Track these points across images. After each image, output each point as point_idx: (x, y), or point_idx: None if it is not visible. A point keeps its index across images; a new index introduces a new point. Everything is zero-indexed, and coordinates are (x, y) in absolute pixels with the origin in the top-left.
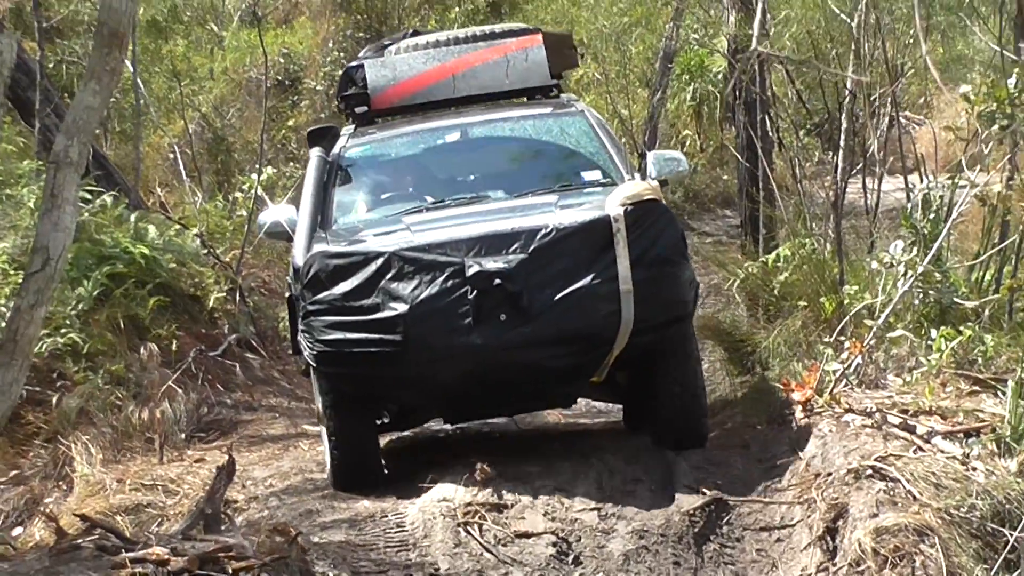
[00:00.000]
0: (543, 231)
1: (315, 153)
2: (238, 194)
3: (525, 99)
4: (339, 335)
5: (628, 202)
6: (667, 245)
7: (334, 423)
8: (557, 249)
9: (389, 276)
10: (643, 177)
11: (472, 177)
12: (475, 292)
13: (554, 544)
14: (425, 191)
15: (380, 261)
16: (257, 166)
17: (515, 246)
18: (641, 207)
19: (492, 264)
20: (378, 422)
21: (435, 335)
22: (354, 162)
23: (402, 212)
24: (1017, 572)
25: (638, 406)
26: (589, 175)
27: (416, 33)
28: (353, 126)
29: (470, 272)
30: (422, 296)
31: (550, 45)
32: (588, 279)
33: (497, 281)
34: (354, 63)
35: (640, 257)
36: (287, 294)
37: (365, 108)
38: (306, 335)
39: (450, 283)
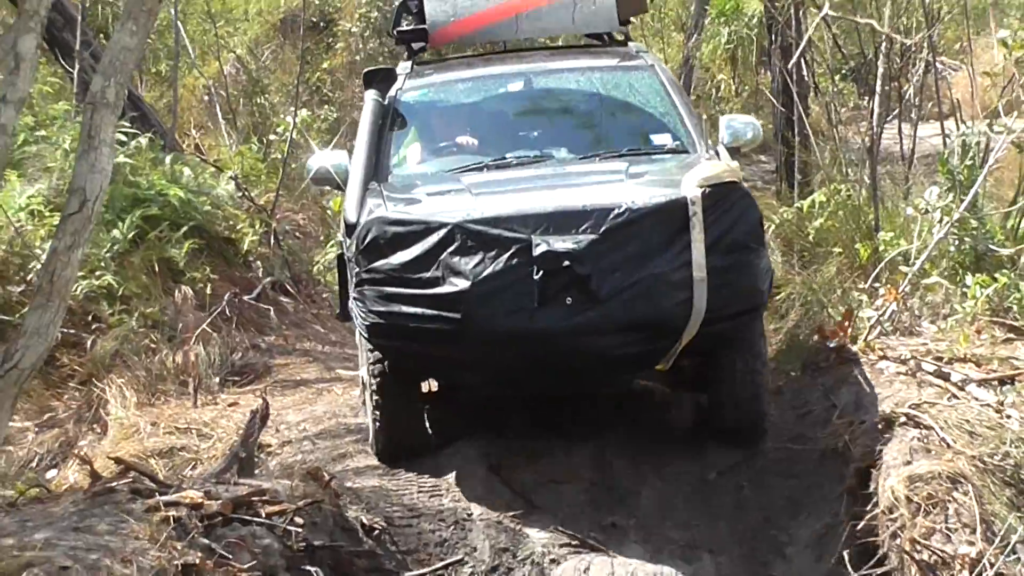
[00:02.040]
0: (616, 211)
1: (370, 96)
2: (273, 136)
3: (587, 40)
4: (394, 308)
5: (706, 184)
6: (745, 231)
7: (379, 393)
8: (630, 231)
9: (451, 249)
10: (715, 143)
11: (535, 133)
12: (541, 272)
13: (587, 491)
14: (486, 145)
15: (443, 232)
16: (292, 108)
17: (586, 225)
18: (719, 190)
19: (561, 244)
20: (424, 390)
21: (496, 316)
22: (411, 107)
23: (461, 169)
24: None
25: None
26: (659, 139)
27: None
28: (409, 64)
29: (537, 251)
30: (485, 273)
31: None
32: (660, 264)
33: (566, 262)
34: None
35: (716, 243)
36: (338, 252)
37: (423, 44)
38: (358, 303)
39: (515, 261)
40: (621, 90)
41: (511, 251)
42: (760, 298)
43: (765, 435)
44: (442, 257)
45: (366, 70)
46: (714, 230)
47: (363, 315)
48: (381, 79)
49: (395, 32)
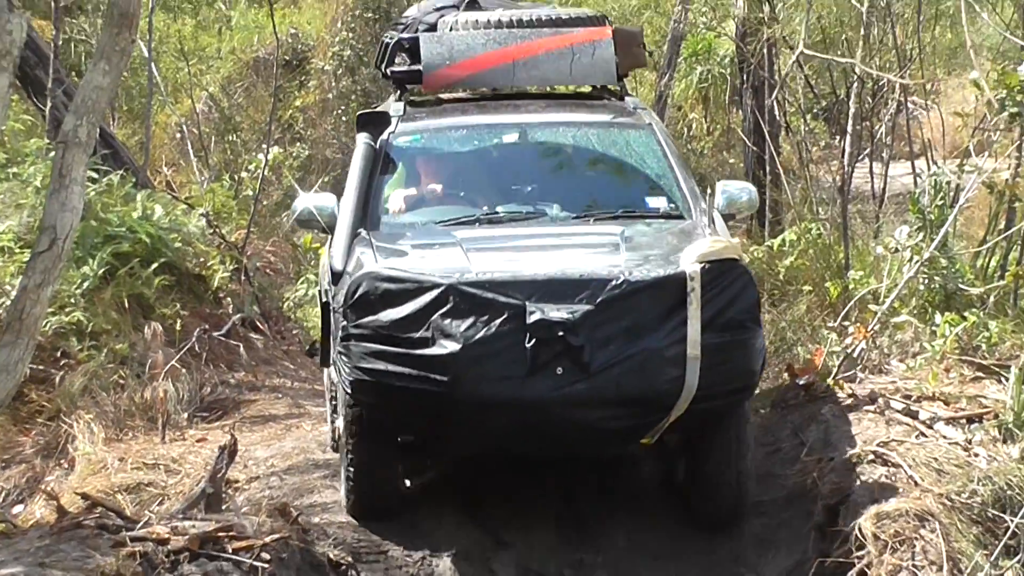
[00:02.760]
0: (613, 283)
1: (362, 139)
2: (244, 174)
3: (583, 91)
4: (380, 365)
5: (705, 259)
6: (742, 309)
7: (355, 449)
8: (626, 304)
9: (443, 310)
10: (710, 207)
11: (528, 188)
12: (534, 340)
13: (555, 528)
14: (478, 197)
15: (436, 293)
16: (264, 146)
17: (582, 296)
18: (719, 266)
19: (555, 313)
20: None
21: (485, 381)
22: (403, 153)
23: (453, 222)
24: (1017, 558)
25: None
26: (654, 201)
27: (473, 3)
28: (402, 106)
29: (531, 319)
30: (476, 337)
31: (620, 42)
32: (655, 339)
33: (559, 332)
34: (406, 34)
35: (712, 320)
36: (322, 299)
37: (417, 86)
38: (343, 358)
39: (507, 327)
40: (618, 148)
41: (504, 316)
42: (752, 378)
43: (743, 518)
44: (433, 318)
45: (359, 112)
46: (711, 307)
47: (348, 371)
48: (374, 122)
49: (389, 72)
